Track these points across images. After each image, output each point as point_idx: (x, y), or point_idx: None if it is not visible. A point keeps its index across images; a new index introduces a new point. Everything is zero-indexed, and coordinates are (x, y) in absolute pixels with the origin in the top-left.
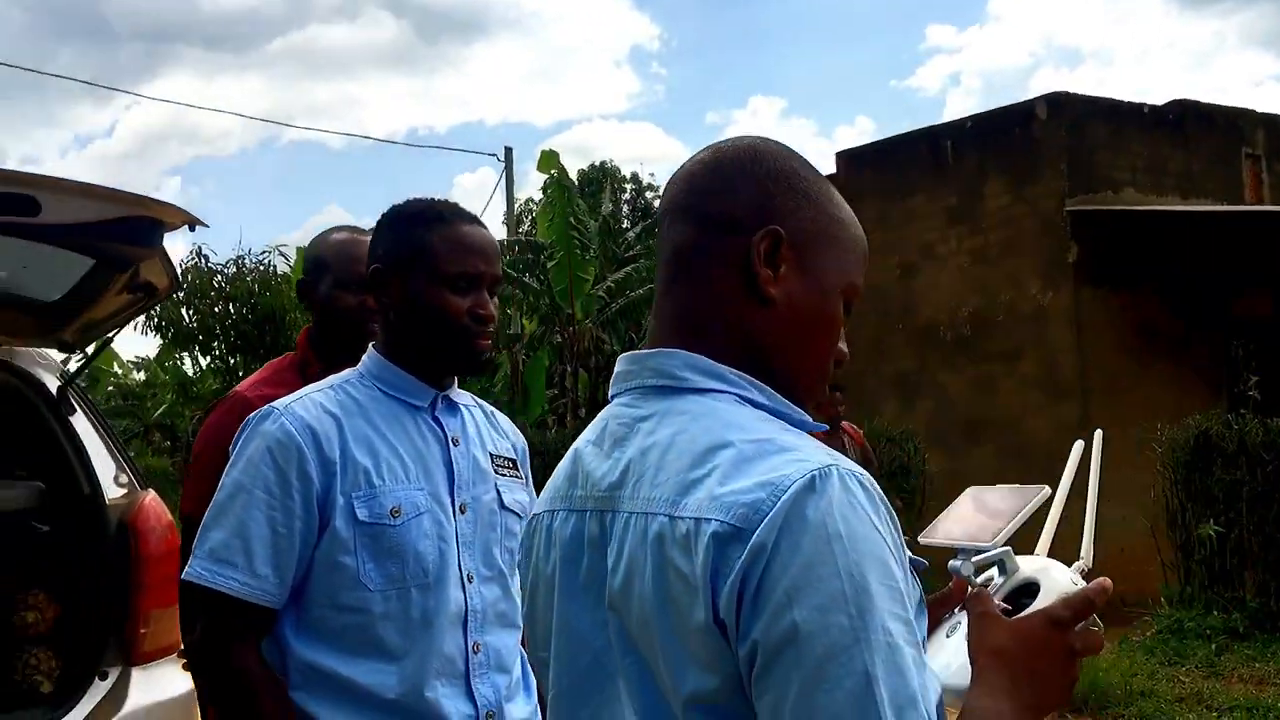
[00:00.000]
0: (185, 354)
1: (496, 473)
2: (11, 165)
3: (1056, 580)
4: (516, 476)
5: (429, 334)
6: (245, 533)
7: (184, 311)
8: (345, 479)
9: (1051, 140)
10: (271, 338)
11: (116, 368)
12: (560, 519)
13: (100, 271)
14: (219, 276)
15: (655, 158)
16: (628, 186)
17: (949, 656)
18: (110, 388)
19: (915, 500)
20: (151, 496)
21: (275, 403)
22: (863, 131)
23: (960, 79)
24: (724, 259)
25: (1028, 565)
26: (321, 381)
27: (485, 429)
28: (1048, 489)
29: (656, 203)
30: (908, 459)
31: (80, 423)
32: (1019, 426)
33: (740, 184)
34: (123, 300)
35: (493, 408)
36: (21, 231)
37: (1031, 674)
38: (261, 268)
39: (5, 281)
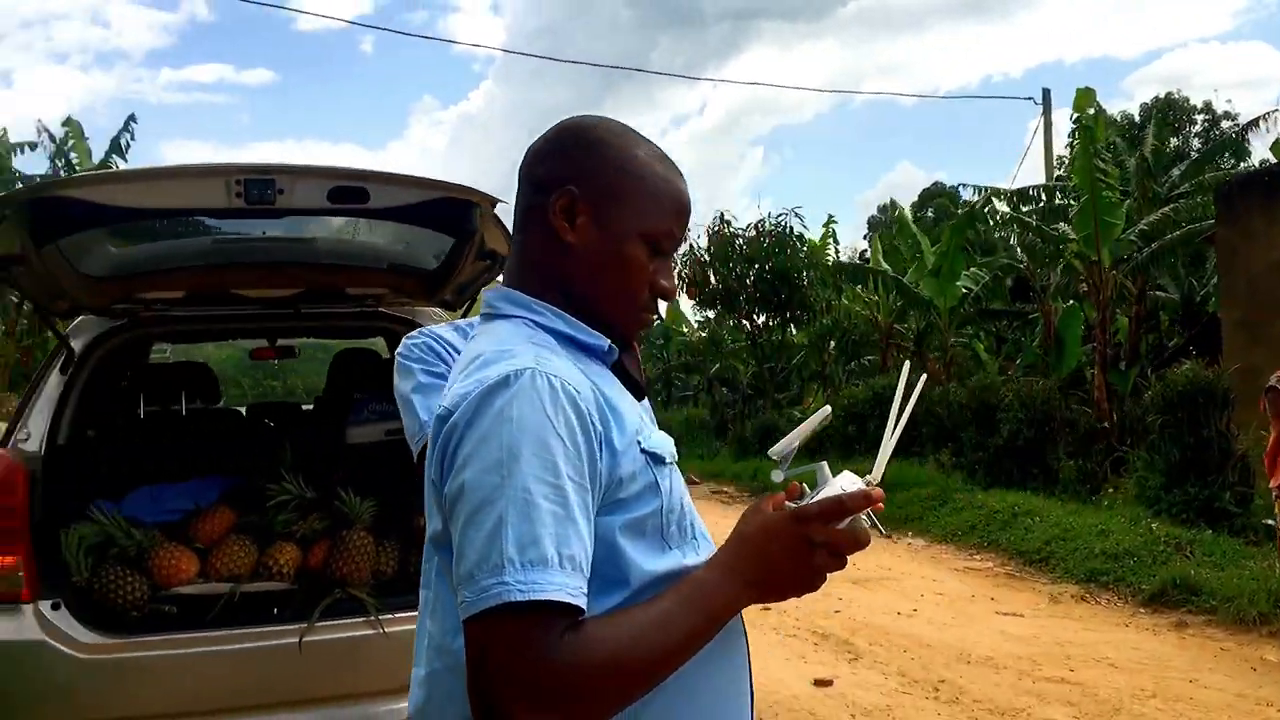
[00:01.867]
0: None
1: None
2: None
3: (833, 489)
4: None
5: None
6: None
7: (709, 274)
8: None
9: None
10: (785, 295)
11: (684, 328)
12: None
13: (458, 245)
14: (739, 240)
15: (1265, 79)
16: (1198, 118)
17: None
18: (679, 346)
19: None
20: None
21: None
22: None
23: None
24: (539, 214)
25: (833, 478)
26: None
27: None
28: (828, 409)
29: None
30: None
31: None
32: None
33: (552, 153)
34: (478, 267)
35: None
36: (359, 214)
37: (761, 556)
38: (777, 230)
39: (401, 255)
